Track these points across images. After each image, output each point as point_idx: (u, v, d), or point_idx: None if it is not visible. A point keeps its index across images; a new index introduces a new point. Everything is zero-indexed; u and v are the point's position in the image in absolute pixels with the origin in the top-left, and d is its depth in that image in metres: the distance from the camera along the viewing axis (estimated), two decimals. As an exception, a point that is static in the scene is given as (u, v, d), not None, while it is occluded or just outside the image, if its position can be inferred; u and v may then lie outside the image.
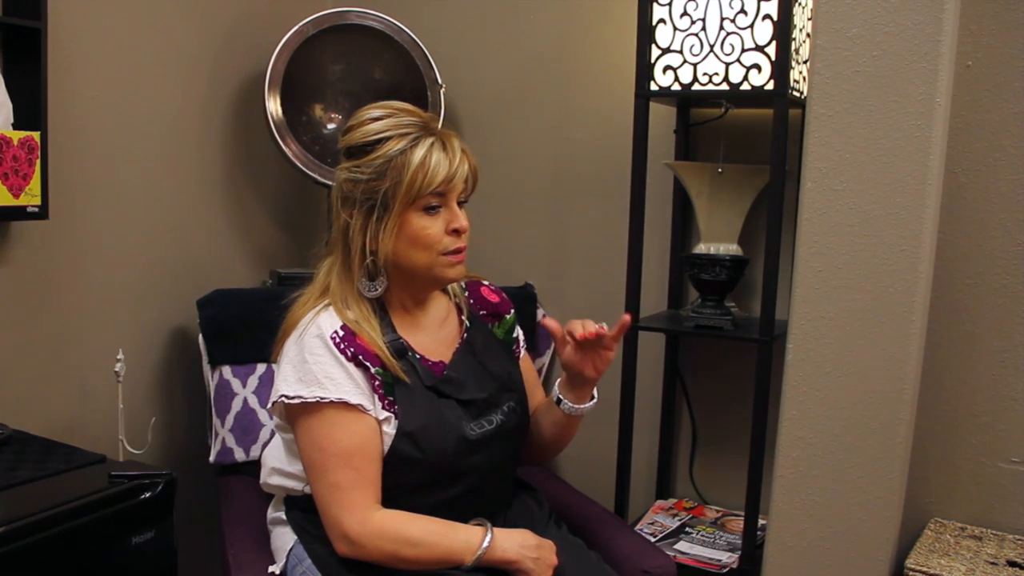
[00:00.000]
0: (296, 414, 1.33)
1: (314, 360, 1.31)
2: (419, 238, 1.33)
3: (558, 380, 1.47)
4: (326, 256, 1.42)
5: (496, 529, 1.34)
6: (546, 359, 2.17)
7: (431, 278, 1.38)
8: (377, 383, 1.33)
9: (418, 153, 1.31)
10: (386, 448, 1.32)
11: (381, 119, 1.34)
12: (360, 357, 1.32)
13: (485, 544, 1.30)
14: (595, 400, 1.46)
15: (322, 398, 1.29)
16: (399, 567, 1.29)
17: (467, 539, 1.31)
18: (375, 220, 1.33)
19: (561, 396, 1.45)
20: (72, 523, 1.29)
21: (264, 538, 1.53)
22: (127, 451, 1.57)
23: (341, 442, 1.29)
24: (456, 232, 1.35)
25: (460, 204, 1.37)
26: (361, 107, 1.40)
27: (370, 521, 1.28)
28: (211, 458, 1.84)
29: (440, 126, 1.38)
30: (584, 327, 1.36)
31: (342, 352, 1.31)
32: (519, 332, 1.57)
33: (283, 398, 1.32)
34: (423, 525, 1.31)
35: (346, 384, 1.30)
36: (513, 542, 1.32)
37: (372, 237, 1.34)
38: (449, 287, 1.50)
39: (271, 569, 1.43)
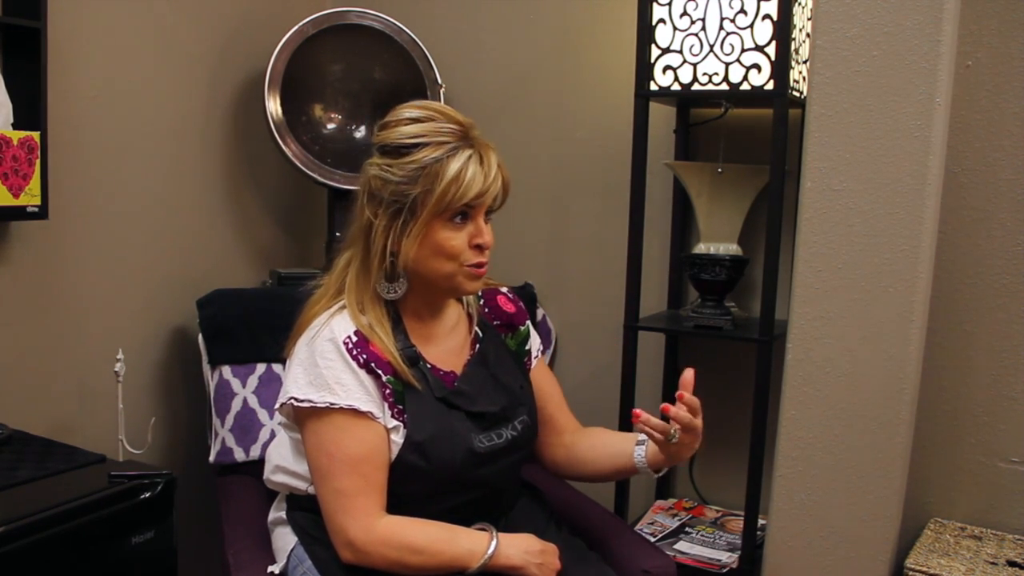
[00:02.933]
0: (305, 417, 1.32)
1: (326, 365, 1.29)
2: (442, 248, 1.30)
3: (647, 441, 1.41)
4: (345, 249, 1.40)
5: (500, 535, 1.32)
6: (546, 359, 2.17)
7: (449, 287, 1.35)
8: (388, 391, 1.32)
9: (454, 165, 1.28)
10: (393, 456, 1.31)
11: (420, 121, 1.31)
12: (372, 364, 1.31)
13: (490, 551, 1.29)
14: (665, 470, 1.44)
15: (332, 404, 1.28)
16: (403, 574, 1.29)
17: (471, 546, 1.30)
18: (400, 224, 1.30)
19: (644, 457, 1.41)
20: (72, 523, 1.29)
21: (264, 538, 1.52)
22: (127, 451, 1.57)
23: (349, 448, 1.28)
24: (479, 247, 1.33)
25: (488, 212, 1.34)
26: (395, 106, 1.35)
27: (375, 528, 1.27)
28: (211, 458, 1.84)
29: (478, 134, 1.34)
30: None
31: (354, 358, 1.30)
32: (532, 343, 1.54)
33: (292, 400, 1.31)
34: (428, 532, 1.30)
35: (357, 391, 1.29)
36: (517, 548, 1.31)
37: (395, 240, 1.31)
38: None
39: (271, 569, 1.43)
